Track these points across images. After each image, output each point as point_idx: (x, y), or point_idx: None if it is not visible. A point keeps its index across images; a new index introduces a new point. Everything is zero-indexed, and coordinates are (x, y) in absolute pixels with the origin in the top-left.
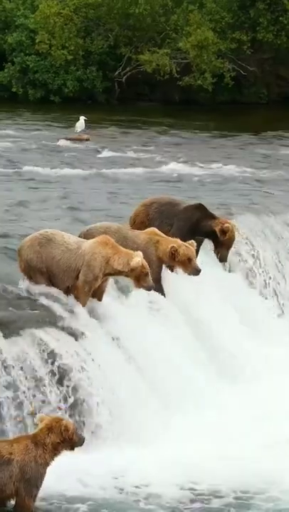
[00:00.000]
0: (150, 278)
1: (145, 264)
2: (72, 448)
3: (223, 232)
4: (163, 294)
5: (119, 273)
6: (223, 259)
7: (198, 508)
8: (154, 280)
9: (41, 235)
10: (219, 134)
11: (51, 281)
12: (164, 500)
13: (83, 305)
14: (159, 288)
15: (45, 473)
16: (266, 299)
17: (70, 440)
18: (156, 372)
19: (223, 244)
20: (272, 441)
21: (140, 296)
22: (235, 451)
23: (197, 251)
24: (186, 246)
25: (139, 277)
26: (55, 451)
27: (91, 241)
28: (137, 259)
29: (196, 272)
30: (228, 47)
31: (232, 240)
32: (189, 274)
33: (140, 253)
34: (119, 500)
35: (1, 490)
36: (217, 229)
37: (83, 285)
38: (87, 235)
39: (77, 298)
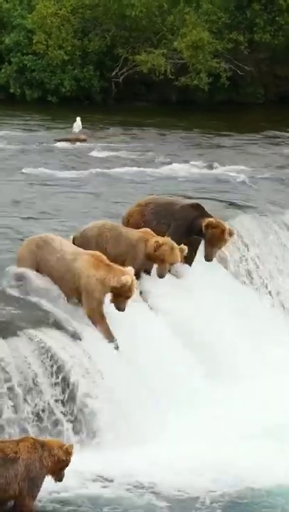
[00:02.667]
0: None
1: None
2: (58, 475)
3: (206, 227)
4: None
5: (114, 290)
6: (206, 257)
7: (195, 507)
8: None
9: (40, 238)
10: (216, 133)
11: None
12: (163, 498)
13: (105, 333)
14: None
15: (45, 476)
16: (264, 298)
17: (66, 465)
18: (154, 372)
19: (207, 241)
20: (269, 440)
21: (138, 296)
22: (231, 451)
23: (195, 251)
24: (172, 248)
25: (124, 295)
26: (57, 465)
27: (84, 260)
28: (127, 277)
29: (160, 276)
30: (224, 47)
31: (215, 236)
32: (156, 273)
33: (132, 269)
34: (118, 499)
35: (5, 489)
36: (203, 225)
37: (93, 314)
38: (82, 237)
39: (95, 326)
